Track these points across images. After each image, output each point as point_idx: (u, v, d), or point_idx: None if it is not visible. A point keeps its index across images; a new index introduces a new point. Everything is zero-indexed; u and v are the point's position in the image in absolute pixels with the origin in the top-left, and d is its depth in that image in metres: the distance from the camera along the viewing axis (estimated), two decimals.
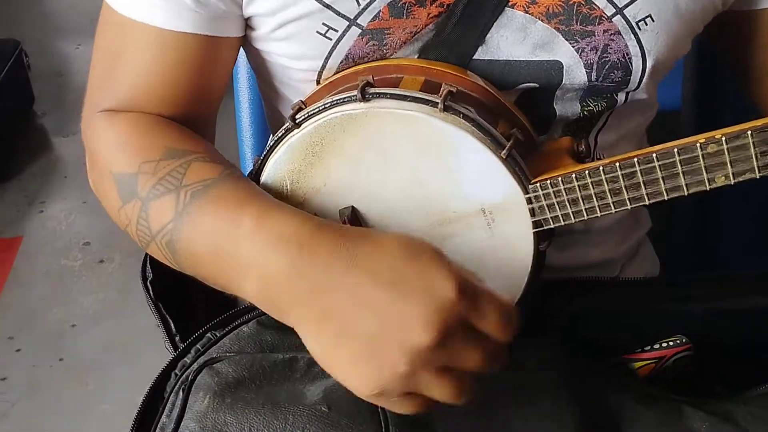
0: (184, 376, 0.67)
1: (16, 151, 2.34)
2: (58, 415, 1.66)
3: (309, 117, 0.63)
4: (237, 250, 0.59)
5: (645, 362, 0.71)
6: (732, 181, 0.57)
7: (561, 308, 0.74)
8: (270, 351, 0.70)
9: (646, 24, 0.66)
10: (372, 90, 0.62)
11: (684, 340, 0.70)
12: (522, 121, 0.67)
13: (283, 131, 0.65)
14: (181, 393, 0.66)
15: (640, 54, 0.68)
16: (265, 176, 0.66)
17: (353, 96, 0.61)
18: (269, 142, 0.66)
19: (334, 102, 0.62)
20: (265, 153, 0.66)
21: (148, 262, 0.75)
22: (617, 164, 0.59)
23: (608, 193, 0.60)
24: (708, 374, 0.71)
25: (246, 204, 0.60)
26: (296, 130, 0.64)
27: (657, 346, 0.71)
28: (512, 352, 0.57)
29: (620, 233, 0.83)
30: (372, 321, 0.54)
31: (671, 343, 0.71)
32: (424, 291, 0.53)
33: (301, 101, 0.66)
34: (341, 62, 0.68)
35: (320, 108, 0.63)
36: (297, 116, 0.64)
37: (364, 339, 0.54)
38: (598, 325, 0.75)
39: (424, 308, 0.53)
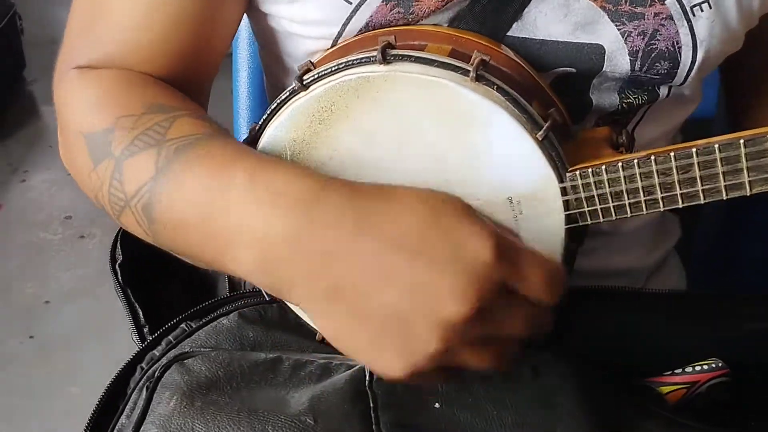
0: (150, 371, 0.61)
1: (2, 116, 2.32)
2: (24, 395, 1.63)
3: (319, 78, 0.56)
4: (228, 213, 0.51)
5: (675, 387, 0.65)
6: None
7: (578, 319, 0.68)
8: (251, 348, 0.64)
9: (702, 10, 0.61)
10: (394, 51, 0.55)
11: (720, 365, 0.64)
12: (558, 104, 0.61)
13: (288, 93, 0.57)
14: (144, 391, 0.60)
15: (691, 44, 0.62)
16: (263, 144, 0.59)
17: (372, 57, 0.54)
18: (270, 105, 0.58)
19: (350, 62, 0.55)
20: (264, 118, 0.59)
21: (118, 242, 0.69)
22: (672, 154, 0.52)
23: (658, 188, 0.53)
24: (744, 405, 0.65)
25: (239, 159, 0.53)
26: (303, 93, 0.56)
27: (689, 369, 0.65)
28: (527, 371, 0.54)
29: (649, 241, 0.78)
30: (393, 295, 0.47)
31: (706, 367, 0.65)
32: (452, 256, 0.47)
33: (311, 62, 0.59)
34: (360, 31, 0.62)
35: (333, 69, 0.56)
36: (305, 77, 0.56)
37: (385, 316, 0.48)
38: (618, 340, 0.69)
39: (455, 277, 0.47)
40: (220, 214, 0.52)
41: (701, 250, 0.94)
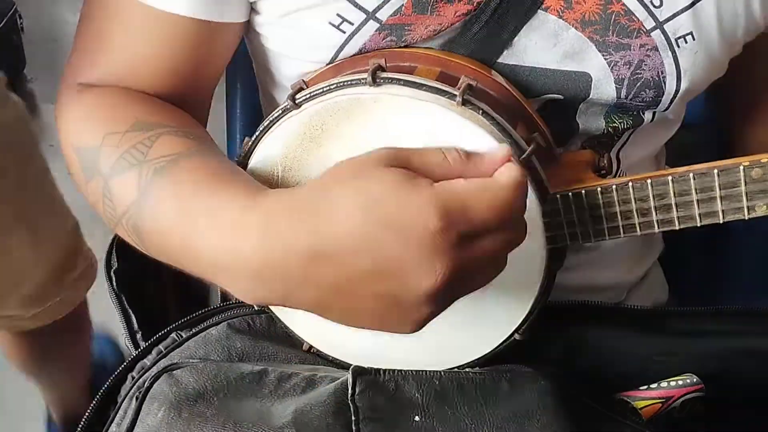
0: (140, 380, 0.62)
1: None
2: (19, 394, 1.58)
3: (311, 98, 0.57)
4: (201, 238, 0.53)
5: (650, 401, 0.66)
6: None
7: (557, 335, 0.70)
8: (239, 359, 0.65)
9: (686, 42, 0.62)
10: (384, 74, 0.56)
11: (695, 380, 0.66)
12: (543, 128, 0.62)
13: (280, 111, 0.59)
14: (134, 401, 0.61)
15: (675, 73, 0.64)
16: (255, 160, 0.60)
17: (363, 79, 0.56)
18: (263, 122, 0.60)
19: (341, 84, 0.56)
20: (256, 134, 0.60)
21: (114, 249, 0.70)
22: (649, 181, 0.53)
23: (635, 213, 0.55)
24: (718, 420, 0.67)
25: (199, 190, 0.54)
26: (295, 111, 0.58)
27: (664, 384, 0.67)
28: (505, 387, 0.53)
29: (632, 257, 0.79)
30: (372, 288, 0.48)
31: (680, 382, 0.67)
32: (404, 237, 0.46)
33: (303, 81, 0.60)
34: (352, 56, 0.63)
35: (324, 89, 0.57)
36: (297, 96, 0.58)
37: (374, 301, 0.49)
38: (597, 356, 0.70)
39: (414, 256, 0.46)
40: (195, 238, 0.53)
41: (684, 262, 0.95)
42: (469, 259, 0.48)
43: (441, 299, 0.48)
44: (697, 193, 0.53)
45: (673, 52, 0.62)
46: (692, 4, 0.61)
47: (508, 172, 0.49)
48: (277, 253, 0.49)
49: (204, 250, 0.53)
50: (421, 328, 0.50)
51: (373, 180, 0.48)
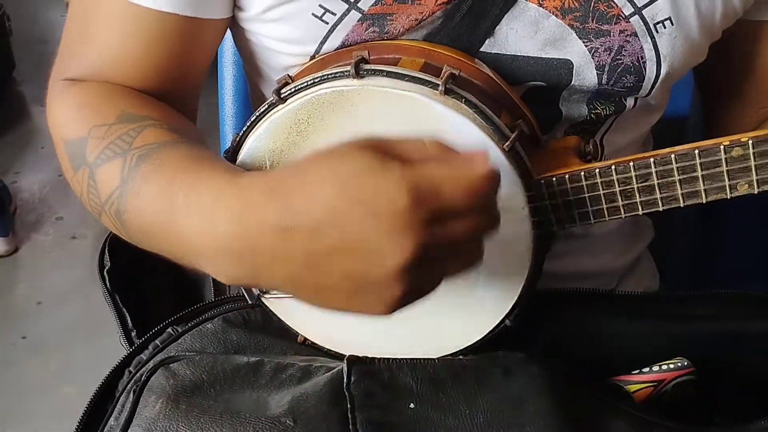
0: (137, 374, 0.63)
1: None
2: (18, 395, 1.62)
3: (296, 92, 0.58)
4: (180, 220, 0.53)
5: (642, 385, 0.67)
6: (756, 190, 0.53)
7: (549, 321, 0.70)
8: (235, 352, 0.65)
9: (665, 27, 0.63)
10: (367, 66, 0.57)
11: (686, 363, 0.66)
12: (528, 115, 0.63)
13: (267, 106, 0.60)
14: (131, 394, 0.62)
15: (655, 59, 0.64)
16: (243, 155, 0.61)
17: (346, 71, 0.56)
18: (250, 117, 0.60)
19: (325, 77, 0.57)
20: (244, 129, 0.61)
21: (106, 249, 0.70)
22: (631, 164, 0.54)
23: (619, 196, 0.55)
24: (709, 402, 0.67)
25: (180, 172, 0.55)
26: (281, 106, 0.59)
27: (656, 368, 0.67)
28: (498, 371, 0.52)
29: (621, 243, 0.79)
30: (342, 265, 0.48)
31: (671, 366, 0.67)
32: (373, 214, 0.47)
33: (288, 75, 0.61)
34: (337, 49, 0.63)
35: (309, 82, 0.58)
36: (282, 91, 0.59)
37: (348, 282, 0.49)
38: (589, 341, 0.70)
39: (383, 232, 0.47)
40: (175, 221, 0.54)
41: (675, 250, 0.96)
42: (439, 239, 0.48)
43: (411, 278, 0.48)
44: (679, 173, 0.53)
45: (652, 37, 0.63)
46: None
47: (482, 164, 0.49)
48: (252, 229, 0.49)
49: (183, 227, 0.53)
50: (394, 309, 0.49)
51: (346, 159, 0.48)
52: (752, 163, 0.52)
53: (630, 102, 0.68)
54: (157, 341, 0.66)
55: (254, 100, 0.78)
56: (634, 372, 0.67)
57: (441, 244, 0.48)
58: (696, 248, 0.97)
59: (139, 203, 0.56)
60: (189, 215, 0.53)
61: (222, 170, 0.54)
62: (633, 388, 0.66)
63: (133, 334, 0.68)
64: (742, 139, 0.51)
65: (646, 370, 0.67)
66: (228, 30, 0.69)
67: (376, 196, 0.46)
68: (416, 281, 0.48)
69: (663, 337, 0.70)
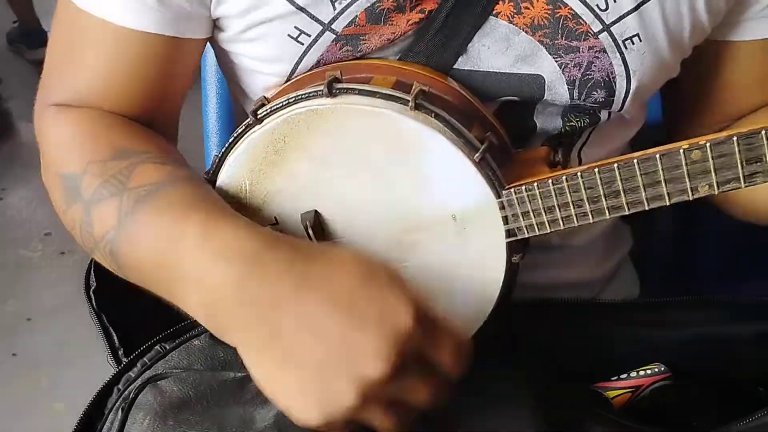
0: (126, 392, 0.63)
1: None
2: (8, 412, 1.61)
3: (272, 112, 0.60)
4: (180, 263, 0.55)
5: (620, 391, 0.68)
6: (716, 191, 0.54)
7: (531, 331, 0.71)
8: (222, 368, 0.66)
9: (633, 43, 0.64)
10: (340, 85, 0.59)
11: (662, 369, 0.68)
12: (497, 127, 0.64)
13: (244, 127, 0.61)
14: (120, 412, 0.62)
15: (624, 74, 0.65)
16: (223, 176, 0.63)
17: (320, 91, 0.58)
18: (229, 138, 0.62)
19: (299, 97, 0.59)
20: (223, 151, 0.63)
21: (92, 269, 0.71)
22: (596, 170, 0.56)
23: (586, 201, 0.57)
24: (686, 406, 0.68)
25: (192, 211, 0.56)
26: (257, 126, 0.60)
27: (633, 374, 0.69)
28: (481, 378, 0.55)
29: (600, 252, 0.80)
30: (321, 348, 0.50)
31: (648, 371, 0.68)
32: (378, 319, 0.50)
33: (264, 97, 0.63)
34: (311, 68, 0.65)
35: (284, 103, 0.60)
36: (259, 111, 0.60)
37: (312, 366, 0.51)
38: (570, 349, 0.72)
39: (378, 339, 0.50)
40: (172, 266, 0.55)
41: (654, 256, 0.96)
42: (412, 372, 0.51)
43: (369, 393, 0.50)
44: (642, 177, 0.55)
45: (621, 53, 0.64)
46: (637, 7, 0.62)
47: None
48: (261, 285, 0.52)
49: (181, 271, 0.55)
50: (326, 420, 0.51)
51: (376, 263, 0.53)
52: (711, 165, 0.53)
53: (604, 115, 0.69)
54: (145, 359, 0.66)
55: (238, 117, 0.81)
56: (612, 378, 0.68)
57: (408, 381, 0.52)
58: (674, 255, 0.98)
59: (138, 243, 0.58)
60: (195, 255, 0.55)
61: (235, 215, 0.57)
62: (612, 394, 0.68)
63: (120, 352, 0.69)
64: (700, 142, 0.53)
65: (624, 376, 0.68)
66: (212, 51, 0.71)
67: (390, 306, 0.51)
68: (365, 407, 0.51)
69: (640, 344, 0.71)
